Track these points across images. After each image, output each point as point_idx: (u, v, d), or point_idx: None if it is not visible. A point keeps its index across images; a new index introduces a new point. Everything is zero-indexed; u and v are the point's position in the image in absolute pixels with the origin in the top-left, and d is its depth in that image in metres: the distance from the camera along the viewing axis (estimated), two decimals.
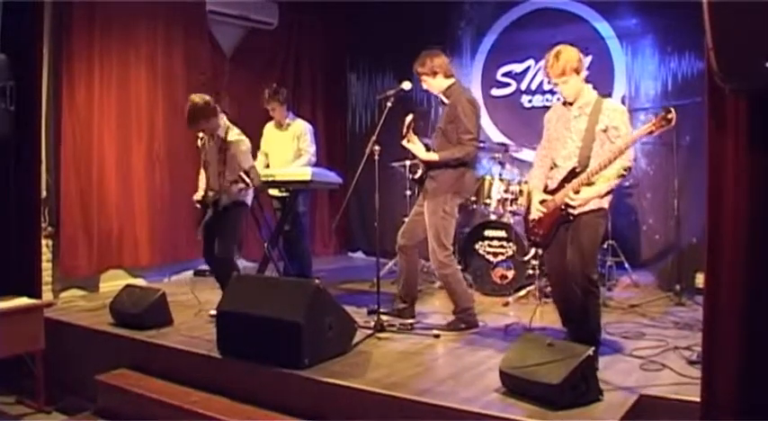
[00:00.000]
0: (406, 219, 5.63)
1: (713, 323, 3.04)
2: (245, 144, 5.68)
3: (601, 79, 7.59)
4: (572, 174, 4.18)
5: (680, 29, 6.92)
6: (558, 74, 4.17)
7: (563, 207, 4.19)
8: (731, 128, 2.92)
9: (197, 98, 5.52)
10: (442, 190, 5.18)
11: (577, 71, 4.19)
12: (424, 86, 5.36)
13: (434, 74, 5.26)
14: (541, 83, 8.03)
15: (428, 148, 5.34)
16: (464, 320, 5.20)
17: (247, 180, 5.49)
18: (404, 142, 5.25)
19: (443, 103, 5.38)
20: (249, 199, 5.81)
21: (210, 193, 5.71)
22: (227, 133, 5.62)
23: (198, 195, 5.84)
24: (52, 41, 6.43)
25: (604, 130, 4.13)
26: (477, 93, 8.34)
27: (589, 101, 4.25)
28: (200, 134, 5.77)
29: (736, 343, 2.95)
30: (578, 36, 6.82)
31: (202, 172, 5.91)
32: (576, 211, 4.15)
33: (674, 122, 3.78)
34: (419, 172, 5.39)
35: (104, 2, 6.74)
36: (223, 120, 5.67)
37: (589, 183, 4.10)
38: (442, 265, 5.21)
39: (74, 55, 6.54)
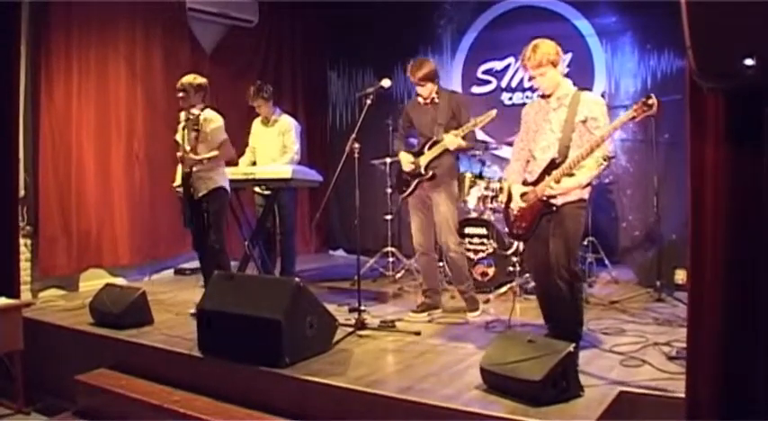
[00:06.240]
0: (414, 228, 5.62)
1: (697, 320, 3.05)
2: (220, 120, 5.64)
3: (581, 76, 7.61)
4: (552, 166, 4.19)
5: (659, 26, 6.98)
6: (535, 65, 4.19)
7: (544, 198, 4.21)
8: (711, 126, 2.93)
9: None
10: (449, 175, 5.47)
11: (554, 64, 4.21)
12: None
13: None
14: (522, 80, 8.06)
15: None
16: (473, 297, 5.53)
17: (207, 156, 5.51)
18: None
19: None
20: (227, 183, 5.74)
21: (186, 170, 5.58)
22: (202, 111, 5.57)
23: (176, 182, 5.73)
24: (30, 39, 6.37)
25: (583, 121, 4.16)
26: (458, 90, 8.36)
27: (567, 93, 4.27)
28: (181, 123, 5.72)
29: (720, 340, 2.96)
30: (558, 34, 6.74)
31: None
32: (558, 202, 4.17)
33: (655, 108, 3.81)
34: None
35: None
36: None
37: (570, 174, 4.12)
38: (459, 245, 5.56)
39: (52, 52, 6.49)
